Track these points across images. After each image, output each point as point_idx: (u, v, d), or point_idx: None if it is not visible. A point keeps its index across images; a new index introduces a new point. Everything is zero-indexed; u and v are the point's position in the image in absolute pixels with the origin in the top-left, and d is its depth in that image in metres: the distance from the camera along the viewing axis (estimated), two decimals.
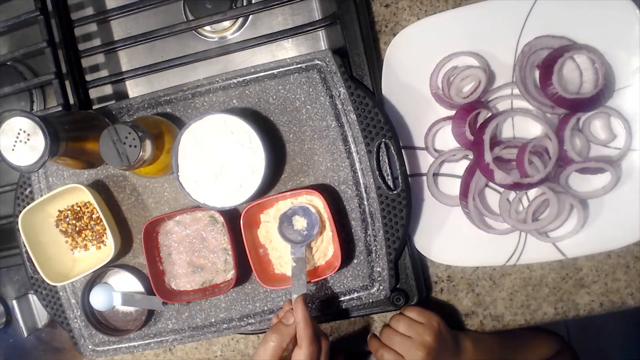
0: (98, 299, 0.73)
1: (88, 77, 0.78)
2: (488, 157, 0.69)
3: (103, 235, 0.76)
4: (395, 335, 0.69)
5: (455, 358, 0.71)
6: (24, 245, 0.73)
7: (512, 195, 0.73)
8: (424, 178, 0.75)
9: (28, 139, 0.61)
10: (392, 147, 0.69)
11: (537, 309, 0.76)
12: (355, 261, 0.72)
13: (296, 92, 0.71)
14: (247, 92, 0.72)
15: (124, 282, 0.76)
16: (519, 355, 0.80)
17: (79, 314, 0.76)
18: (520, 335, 0.83)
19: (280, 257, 0.72)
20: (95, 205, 0.72)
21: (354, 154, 0.70)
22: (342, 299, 0.72)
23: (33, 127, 0.60)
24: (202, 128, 0.67)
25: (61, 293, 0.77)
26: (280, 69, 0.71)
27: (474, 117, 0.72)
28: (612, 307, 0.75)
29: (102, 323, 0.77)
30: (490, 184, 0.73)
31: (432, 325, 0.68)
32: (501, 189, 0.73)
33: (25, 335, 0.84)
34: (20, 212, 0.72)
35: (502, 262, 0.74)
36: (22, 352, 0.87)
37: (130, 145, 0.63)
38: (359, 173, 0.70)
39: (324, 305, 0.72)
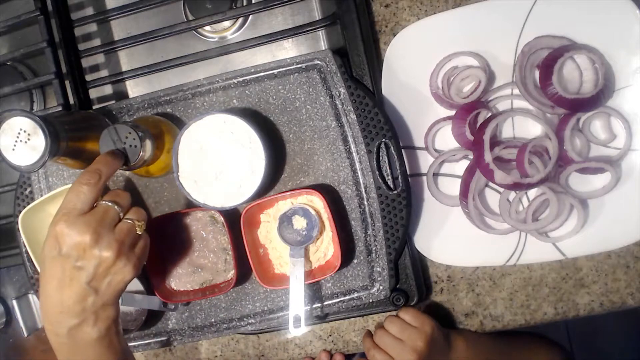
0: None
1: (88, 77, 0.78)
2: (488, 157, 0.69)
3: None
4: (387, 337, 0.69)
5: (445, 357, 0.71)
6: (24, 245, 0.73)
7: (512, 195, 0.73)
8: (424, 178, 0.75)
9: (28, 139, 0.61)
10: (392, 147, 0.69)
11: (537, 309, 0.76)
12: (355, 261, 0.72)
13: (296, 92, 0.71)
14: (247, 92, 0.72)
15: None
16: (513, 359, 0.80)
17: None
18: (521, 340, 0.83)
19: (280, 257, 0.72)
20: None
21: (354, 154, 0.70)
22: (342, 299, 0.72)
23: (33, 127, 0.60)
24: (202, 128, 0.67)
25: None
26: (280, 69, 0.71)
27: (474, 117, 0.72)
28: (612, 307, 0.75)
29: None
30: (490, 184, 0.73)
31: (425, 330, 0.68)
32: (501, 189, 0.73)
33: (25, 335, 0.84)
34: (20, 212, 0.72)
35: (502, 262, 0.74)
36: (22, 352, 0.87)
37: (130, 145, 0.63)
38: (359, 173, 0.70)
39: (324, 305, 0.73)
